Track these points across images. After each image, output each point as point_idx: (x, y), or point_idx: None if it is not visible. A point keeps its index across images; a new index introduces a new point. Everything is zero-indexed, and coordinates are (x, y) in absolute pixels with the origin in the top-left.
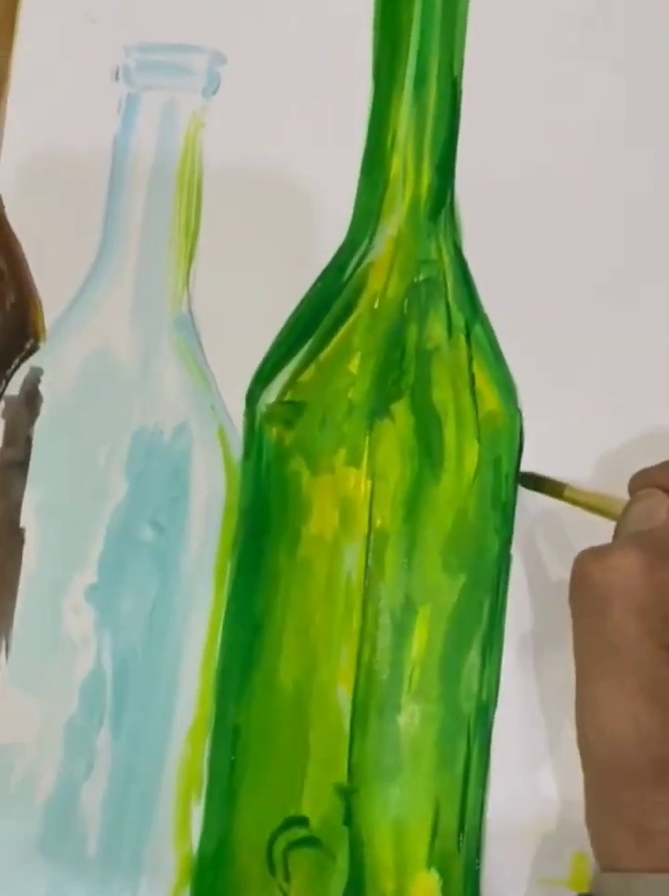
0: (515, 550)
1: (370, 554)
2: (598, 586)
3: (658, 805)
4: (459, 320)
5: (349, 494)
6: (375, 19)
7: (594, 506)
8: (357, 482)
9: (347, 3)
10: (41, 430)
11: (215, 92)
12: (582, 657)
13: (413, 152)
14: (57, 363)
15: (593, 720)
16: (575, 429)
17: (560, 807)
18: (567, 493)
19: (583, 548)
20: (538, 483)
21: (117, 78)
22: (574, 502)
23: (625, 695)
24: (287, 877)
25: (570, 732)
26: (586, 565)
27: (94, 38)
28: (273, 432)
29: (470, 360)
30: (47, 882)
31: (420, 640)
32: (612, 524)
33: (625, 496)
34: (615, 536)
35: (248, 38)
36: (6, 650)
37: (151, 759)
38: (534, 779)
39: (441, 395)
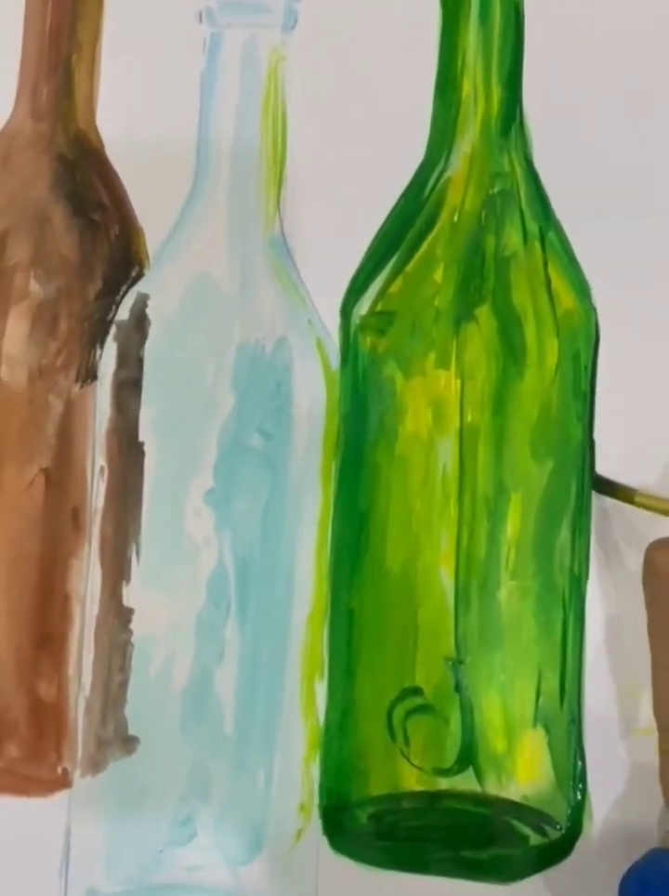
0: None
1: (463, 447)
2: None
3: None
4: (533, 227)
5: (441, 393)
6: None
7: (665, 509)
8: (447, 383)
9: None
10: (151, 351)
11: (293, 27)
12: (655, 635)
13: (482, 73)
14: (161, 288)
15: (666, 690)
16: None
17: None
18: (638, 498)
19: None
20: (610, 488)
21: (201, 20)
22: (645, 507)
23: None
24: (406, 742)
25: None
26: (657, 553)
27: None
28: (367, 341)
29: (545, 263)
30: (190, 759)
31: (514, 523)
32: None
33: None
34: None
35: None
36: (138, 553)
37: (276, 644)
38: (627, 643)
39: (521, 298)
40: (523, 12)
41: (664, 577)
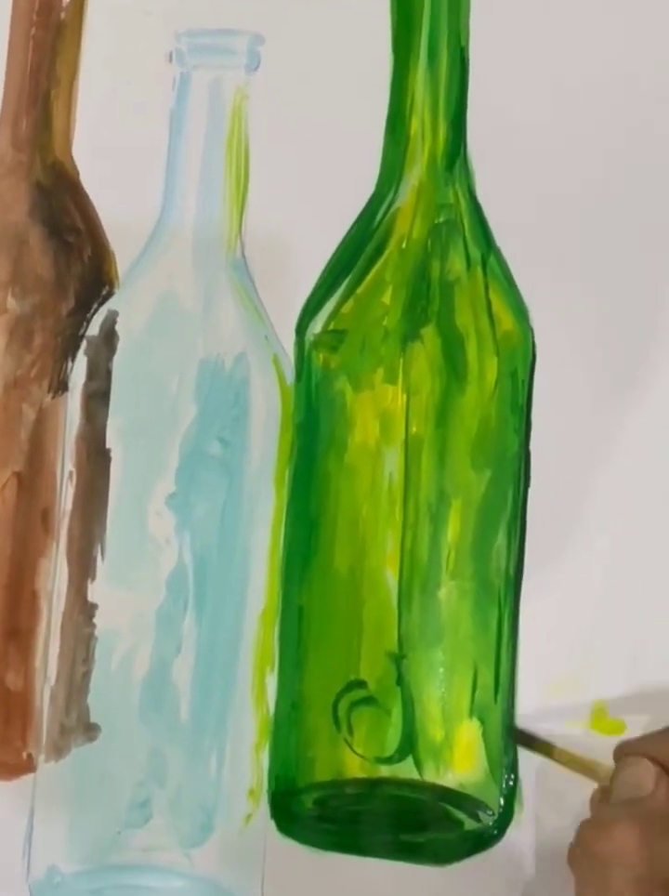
0: None
1: (407, 457)
2: (599, 855)
3: None
4: (476, 254)
5: (388, 406)
6: (391, 2)
7: (580, 768)
8: (394, 397)
9: None
10: (119, 364)
11: (256, 68)
12: None
13: (430, 113)
14: (130, 306)
15: None
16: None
17: (582, 661)
18: (556, 753)
19: None
20: (528, 741)
21: (171, 60)
22: (562, 762)
23: None
24: (350, 731)
25: (584, 600)
26: (589, 835)
27: (150, 28)
28: (320, 357)
29: (487, 287)
30: (147, 746)
31: (454, 528)
32: None
33: (609, 762)
34: (602, 796)
35: (284, 20)
36: (103, 552)
37: (230, 638)
38: (558, 640)
39: (463, 319)
40: (469, 56)
41: (595, 855)
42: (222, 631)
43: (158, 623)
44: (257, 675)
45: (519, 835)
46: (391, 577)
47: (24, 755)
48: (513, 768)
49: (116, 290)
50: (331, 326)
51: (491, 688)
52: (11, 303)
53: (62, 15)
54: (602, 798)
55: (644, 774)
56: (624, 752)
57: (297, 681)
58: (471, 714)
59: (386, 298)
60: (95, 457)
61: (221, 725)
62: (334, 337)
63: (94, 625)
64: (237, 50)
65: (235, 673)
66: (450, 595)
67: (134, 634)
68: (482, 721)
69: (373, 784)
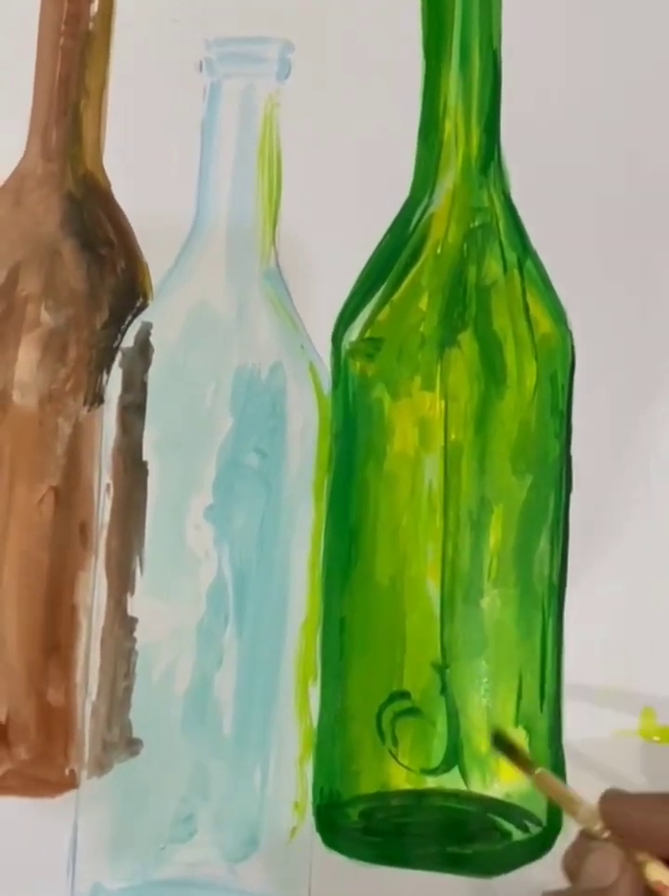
0: None
1: (447, 464)
2: None
3: None
4: (512, 257)
5: (426, 414)
6: (422, 4)
7: (556, 797)
8: (432, 404)
9: None
10: (154, 376)
11: (286, 76)
12: None
13: (463, 117)
14: (164, 317)
15: None
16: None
17: (629, 667)
18: (538, 773)
19: None
20: (511, 752)
21: (201, 69)
22: (539, 786)
23: None
24: (395, 743)
25: (633, 603)
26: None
27: (178, 36)
28: (357, 366)
29: (524, 291)
30: (190, 760)
31: (496, 535)
32: None
33: (588, 803)
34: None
35: (314, 26)
36: (141, 565)
37: (272, 651)
38: (605, 646)
39: (501, 323)
40: (501, 59)
41: None
42: (263, 643)
43: (199, 636)
44: (300, 687)
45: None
46: (433, 586)
47: (67, 771)
48: (560, 777)
49: (150, 302)
50: (367, 334)
51: (537, 696)
52: (45, 316)
53: (90, 25)
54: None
55: (609, 864)
56: (602, 809)
57: (340, 693)
58: (517, 723)
59: (423, 304)
60: (132, 470)
61: (264, 738)
62: (370, 345)
63: (134, 639)
64: (267, 58)
65: (277, 685)
66: (493, 603)
67: (175, 647)
68: (528, 730)
69: (419, 796)
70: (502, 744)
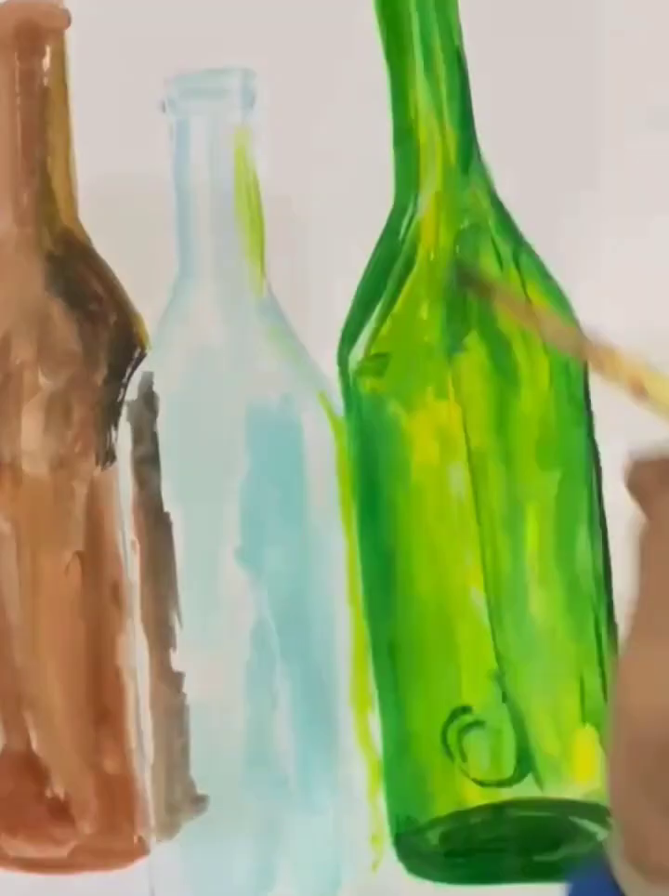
0: None
1: (473, 471)
2: None
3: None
4: (506, 252)
5: (444, 423)
6: (378, 12)
7: (521, 314)
8: (448, 412)
9: (349, 8)
10: (163, 425)
11: (252, 105)
12: (643, 608)
13: (435, 118)
14: (164, 365)
15: (643, 684)
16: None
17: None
18: (498, 294)
19: None
20: (469, 280)
21: (164, 109)
22: (502, 308)
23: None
24: (464, 759)
25: None
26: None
27: (138, 78)
28: (366, 384)
29: (524, 284)
30: (259, 809)
31: (533, 534)
32: None
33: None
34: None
35: (276, 52)
36: (179, 618)
37: (325, 685)
38: None
39: (506, 321)
40: (464, 55)
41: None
42: (315, 679)
43: (248, 681)
44: (359, 718)
45: None
46: (478, 595)
47: (135, 839)
48: None
49: (148, 351)
50: (372, 351)
51: (600, 690)
52: (43, 381)
53: (45, 80)
54: None
55: None
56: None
57: (401, 718)
58: (584, 720)
59: (424, 313)
60: (155, 524)
61: (330, 776)
62: (377, 362)
63: (183, 695)
64: (230, 89)
65: (336, 720)
66: (541, 604)
67: (226, 696)
68: (597, 726)
69: (497, 809)
70: (464, 276)
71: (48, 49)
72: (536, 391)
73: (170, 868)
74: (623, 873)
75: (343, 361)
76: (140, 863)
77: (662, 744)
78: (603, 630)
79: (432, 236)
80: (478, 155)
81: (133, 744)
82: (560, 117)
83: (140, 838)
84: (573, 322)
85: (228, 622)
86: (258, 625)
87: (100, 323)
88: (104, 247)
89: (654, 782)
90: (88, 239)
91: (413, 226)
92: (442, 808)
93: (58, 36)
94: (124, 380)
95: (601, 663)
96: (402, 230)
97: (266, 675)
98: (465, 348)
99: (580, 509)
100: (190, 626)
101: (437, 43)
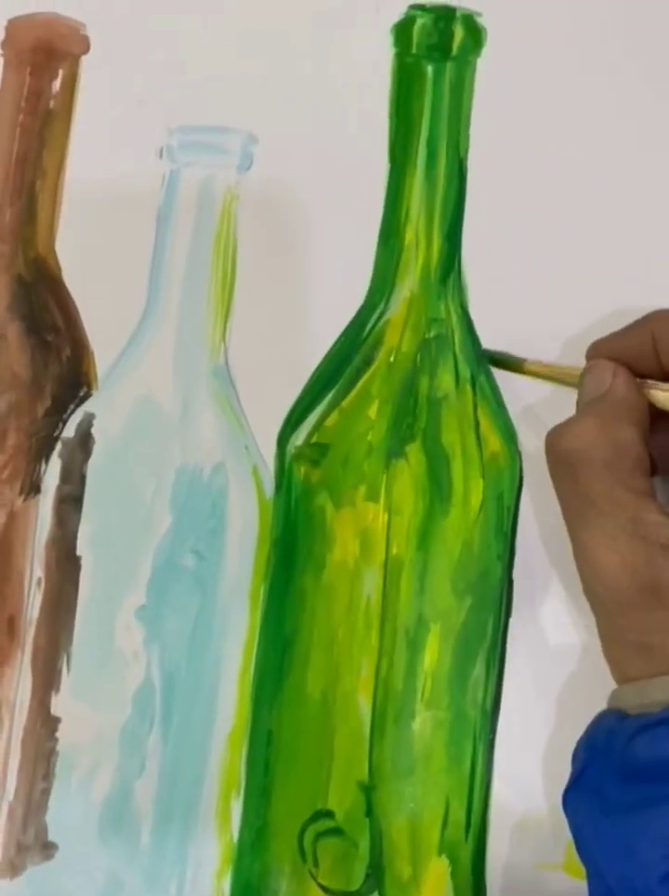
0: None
1: (387, 579)
2: (566, 452)
3: (654, 623)
4: (465, 371)
5: (369, 525)
6: (391, 108)
7: (555, 376)
8: (375, 515)
9: (365, 94)
10: (94, 469)
11: (248, 168)
12: (568, 516)
13: (425, 224)
14: (107, 408)
15: (587, 566)
16: None
17: (555, 801)
18: (527, 366)
19: None
20: (499, 361)
21: (161, 156)
22: (535, 374)
23: (608, 537)
24: (316, 863)
25: (561, 735)
26: (554, 438)
27: (142, 120)
28: (301, 471)
29: (475, 407)
30: (104, 868)
31: (431, 655)
32: None
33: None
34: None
35: (280, 121)
36: (68, 663)
37: (196, 760)
38: (532, 776)
39: (450, 438)
40: (466, 167)
41: (561, 454)
42: (188, 752)
43: (122, 741)
44: (222, 799)
45: None
46: (364, 704)
47: None
48: None
49: (94, 391)
50: (314, 439)
51: (463, 825)
52: None
53: (51, 103)
54: None
55: (603, 374)
56: (590, 356)
57: (263, 808)
58: (441, 851)
59: (372, 413)
60: (64, 564)
61: (182, 850)
62: (316, 451)
63: (56, 740)
64: (229, 149)
65: (199, 797)
66: (424, 725)
67: (96, 751)
68: (452, 860)
69: None
70: (490, 359)
71: (61, 72)
72: (466, 514)
73: None
74: (615, 697)
75: (283, 442)
76: None
77: (613, 600)
78: (479, 765)
79: (397, 339)
80: (459, 269)
81: None
82: (552, 249)
83: None
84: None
85: (115, 677)
86: (144, 686)
87: (53, 355)
88: (74, 281)
89: (616, 629)
90: (60, 270)
91: (380, 324)
92: None
93: (73, 61)
94: (65, 416)
95: (470, 797)
96: (369, 327)
97: (140, 737)
98: (405, 455)
99: (482, 641)
100: (76, 674)
101: (442, 150)
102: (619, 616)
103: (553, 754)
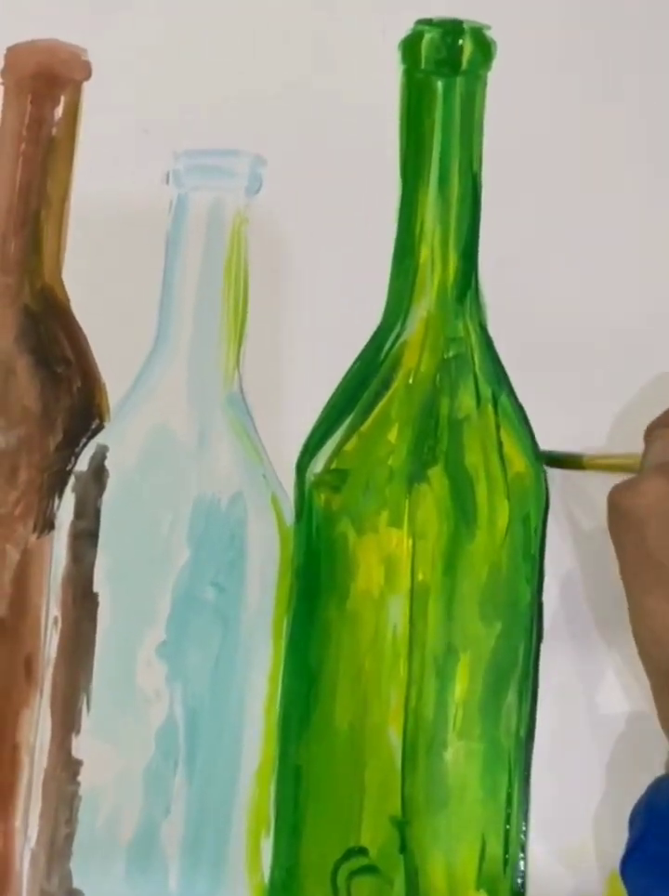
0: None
1: (413, 606)
2: (633, 510)
3: None
4: (486, 391)
5: (393, 551)
6: (402, 124)
7: (616, 465)
8: (399, 541)
9: (376, 111)
10: (109, 502)
11: (257, 191)
12: (628, 577)
13: (440, 241)
14: (120, 440)
15: (648, 631)
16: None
17: (596, 830)
18: (586, 461)
19: None
20: (557, 461)
21: (168, 181)
22: (596, 467)
23: None
24: None
25: (598, 760)
26: (619, 495)
27: (147, 147)
28: (321, 498)
29: (498, 427)
30: None
31: (462, 684)
32: None
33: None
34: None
35: (288, 140)
36: (88, 703)
37: (223, 799)
38: (572, 806)
39: (473, 459)
40: (481, 183)
41: (626, 511)
42: (214, 791)
43: (146, 781)
44: (252, 839)
45: None
46: (395, 736)
47: None
48: None
49: (106, 424)
50: (333, 465)
51: (501, 858)
52: None
53: (53, 131)
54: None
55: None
56: (651, 430)
57: (294, 847)
58: (479, 886)
59: (392, 436)
60: (81, 601)
61: (212, 893)
62: (336, 477)
63: (78, 783)
64: (237, 172)
65: (228, 837)
66: (457, 756)
67: (120, 793)
68: (490, 893)
69: None
70: (547, 460)
71: (63, 99)
72: (492, 537)
73: None
74: None
75: (302, 470)
76: None
77: None
78: (515, 796)
79: (415, 360)
80: (477, 287)
81: (19, 823)
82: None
83: None
84: None
85: (137, 717)
86: (167, 724)
87: (63, 387)
88: (83, 311)
89: None
90: (68, 300)
91: (397, 345)
92: None
93: (75, 88)
94: (78, 449)
95: (507, 829)
96: (386, 348)
97: (165, 778)
98: (427, 479)
99: (514, 667)
100: (97, 714)
101: (455, 165)
102: None
103: (591, 782)
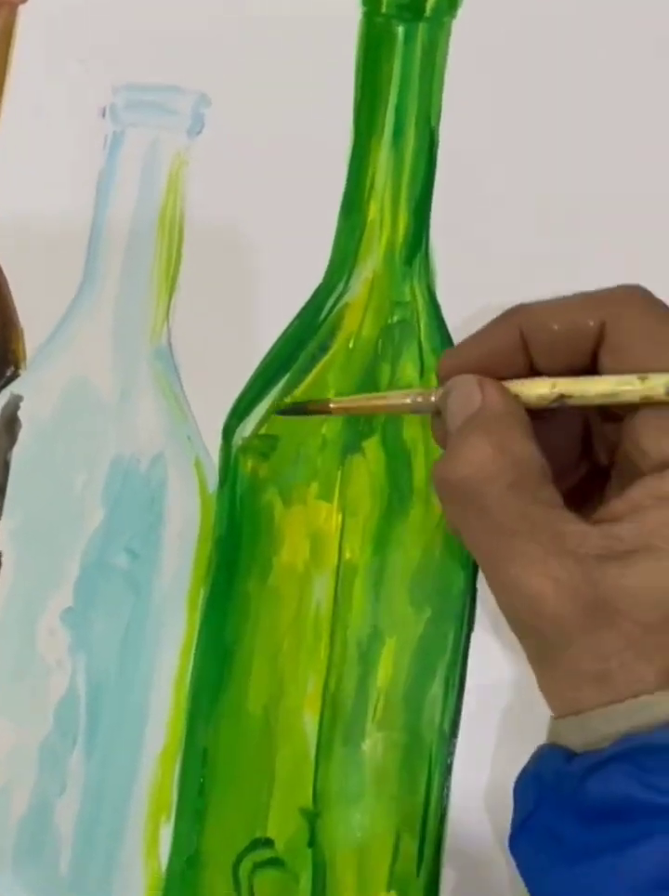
0: None
1: (339, 585)
2: (463, 483)
3: (606, 646)
4: (431, 361)
5: (320, 526)
6: (357, 71)
7: (367, 407)
8: (328, 515)
9: (330, 53)
10: (19, 456)
11: (199, 132)
12: (482, 553)
13: (391, 198)
14: (37, 391)
15: (519, 599)
16: None
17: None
18: (333, 405)
19: None
20: (300, 409)
21: (104, 116)
22: (344, 411)
23: (537, 563)
24: None
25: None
26: (444, 470)
27: (83, 79)
28: (248, 464)
29: None
30: None
31: (385, 671)
32: None
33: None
34: (439, 429)
35: (234, 81)
36: None
37: (123, 780)
38: (491, 806)
39: (411, 433)
40: (438, 138)
41: (456, 485)
42: (114, 771)
43: (41, 758)
44: (150, 824)
45: None
46: (310, 722)
47: None
48: None
49: (22, 372)
50: (262, 430)
51: (415, 858)
52: None
53: None
54: (441, 437)
55: (470, 390)
56: (445, 372)
57: (196, 835)
58: (390, 887)
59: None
60: None
61: (105, 880)
62: (264, 443)
63: None
64: (179, 110)
65: (125, 820)
66: (375, 747)
67: (12, 769)
68: (402, 895)
69: None
70: (290, 411)
71: None
72: (427, 517)
73: None
74: (556, 733)
75: (229, 433)
76: None
77: (552, 629)
78: (434, 793)
79: (356, 323)
80: (427, 249)
81: None
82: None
83: None
84: None
85: (35, 686)
86: (68, 697)
87: None
88: (3, 251)
89: (551, 662)
90: None
91: (338, 307)
92: None
93: (10, 10)
94: None
95: (424, 827)
96: (326, 309)
97: (61, 755)
98: (362, 451)
99: (442, 657)
100: None
101: (412, 119)
102: (567, 647)
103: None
